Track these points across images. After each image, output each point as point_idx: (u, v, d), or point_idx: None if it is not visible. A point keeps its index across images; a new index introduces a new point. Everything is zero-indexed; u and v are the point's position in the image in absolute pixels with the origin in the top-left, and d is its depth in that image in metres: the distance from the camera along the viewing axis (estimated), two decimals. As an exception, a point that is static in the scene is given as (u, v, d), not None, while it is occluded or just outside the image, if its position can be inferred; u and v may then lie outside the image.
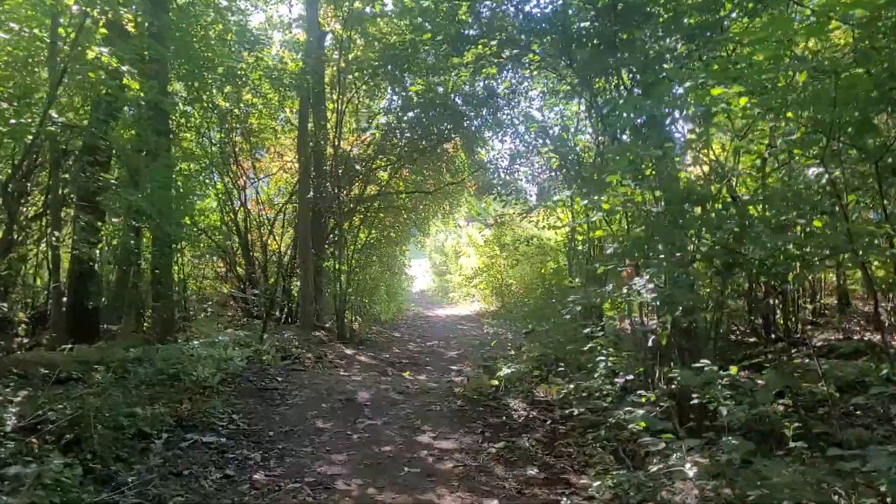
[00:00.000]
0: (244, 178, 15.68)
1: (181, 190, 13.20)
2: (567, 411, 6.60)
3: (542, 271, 18.76)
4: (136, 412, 6.05)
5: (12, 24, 7.17)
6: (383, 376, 9.29)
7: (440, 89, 14.40)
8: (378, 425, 6.72)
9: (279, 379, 8.38)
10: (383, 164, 15.49)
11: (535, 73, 11.23)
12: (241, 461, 5.53)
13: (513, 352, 9.73)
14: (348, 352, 11.27)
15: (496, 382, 7.63)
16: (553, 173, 14.61)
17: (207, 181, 15.76)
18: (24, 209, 11.45)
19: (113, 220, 10.58)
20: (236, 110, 15.26)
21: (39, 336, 10.66)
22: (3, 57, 8.14)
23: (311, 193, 13.14)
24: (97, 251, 10.01)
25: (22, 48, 7.88)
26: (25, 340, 10.89)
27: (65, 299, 10.21)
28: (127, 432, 5.68)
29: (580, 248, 12.37)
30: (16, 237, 10.42)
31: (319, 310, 14.29)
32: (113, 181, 9.11)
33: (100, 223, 9.73)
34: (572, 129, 12.90)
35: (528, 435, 6.24)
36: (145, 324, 10.64)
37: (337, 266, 12.84)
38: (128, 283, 11.08)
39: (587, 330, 7.09)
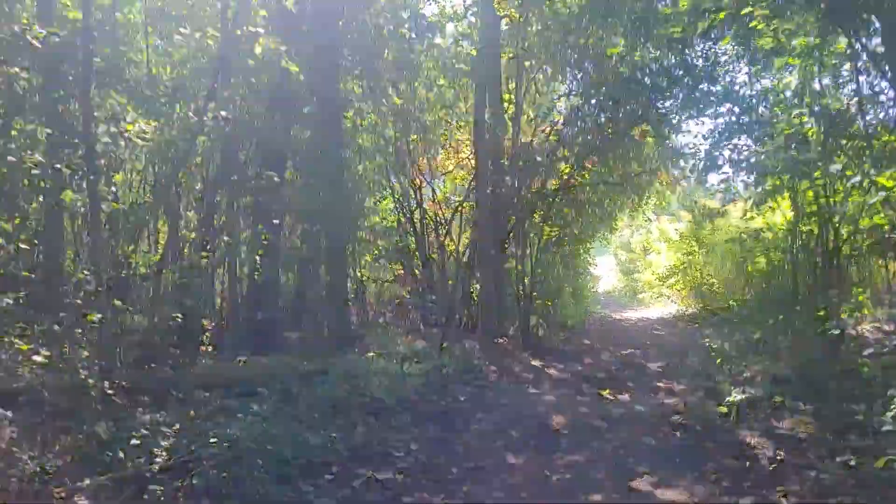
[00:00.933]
0: (420, 177, 15.16)
1: (354, 191, 12.89)
2: (838, 458, 5.08)
3: (751, 269, 16.65)
4: (306, 439, 5.38)
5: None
6: (579, 395, 8.13)
7: (625, 70, 13.00)
8: (581, 463, 5.59)
9: (461, 398, 7.49)
10: (565, 154, 14.27)
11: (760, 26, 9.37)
12: (420, 508, 4.64)
13: (730, 368, 8.19)
14: (535, 363, 10.20)
15: (724, 409, 6.22)
16: (762, 155, 12.70)
17: (384, 182, 15.45)
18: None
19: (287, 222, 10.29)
20: (411, 106, 14.78)
21: (221, 346, 10.60)
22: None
23: (490, 189, 12.23)
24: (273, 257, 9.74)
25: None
26: (210, 349, 10.89)
27: (243, 307, 10.04)
28: (293, 464, 4.99)
29: (810, 241, 10.46)
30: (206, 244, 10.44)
31: (501, 315, 13.37)
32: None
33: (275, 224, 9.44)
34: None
35: (784, 487, 4.82)
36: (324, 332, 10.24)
37: (519, 267, 11.82)
38: (305, 290, 10.79)
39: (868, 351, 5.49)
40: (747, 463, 5.37)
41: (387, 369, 7.62)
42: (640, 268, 23.69)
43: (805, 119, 9.68)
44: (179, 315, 10.08)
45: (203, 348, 10.88)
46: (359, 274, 15.56)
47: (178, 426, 5.02)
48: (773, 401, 6.41)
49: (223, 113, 7.13)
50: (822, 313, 10.54)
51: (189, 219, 8.44)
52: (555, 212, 14.55)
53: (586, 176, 14.69)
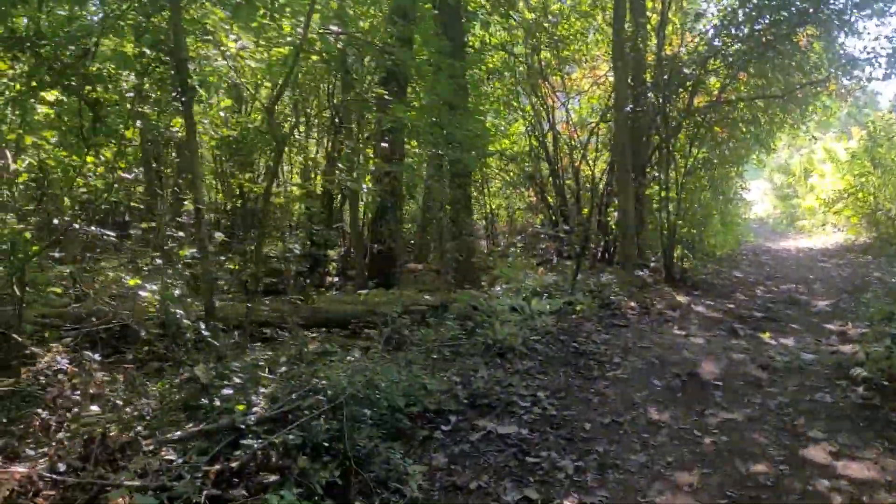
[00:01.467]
0: (553, 97, 14.15)
1: (481, 112, 12.14)
2: None
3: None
4: (420, 385, 4.90)
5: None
6: (733, 338, 7.17)
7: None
8: (738, 422, 4.76)
9: (596, 339, 6.75)
10: (716, 66, 12.75)
11: None
12: (546, 473, 4.03)
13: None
14: (680, 299, 9.24)
15: (919, 362, 5.13)
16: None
17: (515, 103, 14.59)
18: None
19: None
20: (544, 22, 13.72)
21: (346, 276, 10.38)
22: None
23: (630, 107, 11.10)
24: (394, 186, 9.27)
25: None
26: (336, 279, 10.74)
27: (368, 238, 9.71)
28: (406, 413, 4.53)
29: None
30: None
31: (641, 245, 12.36)
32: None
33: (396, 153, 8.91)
34: None
35: None
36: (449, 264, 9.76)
37: (662, 192, 10.72)
38: (429, 221, 10.30)
39: None
40: (957, 434, 4.35)
41: (514, 306, 7.00)
42: (800, 192, 21.50)
43: None
44: (309, 243, 9.97)
45: (329, 278, 10.75)
46: (488, 201, 14.96)
47: (283, 369, 4.66)
48: None
49: (333, 27, 6.57)
50: None
51: (304, 145, 8.07)
52: (703, 131, 13.15)
53: (741, 89, 13.13)
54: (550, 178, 13.78)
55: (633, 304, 8.53)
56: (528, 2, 13.54)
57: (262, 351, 5.22)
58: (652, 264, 11.24)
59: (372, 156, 8.46)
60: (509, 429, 4.61)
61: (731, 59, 12.35)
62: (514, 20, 13.18)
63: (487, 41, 13.66)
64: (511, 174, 15.40)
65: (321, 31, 6.16)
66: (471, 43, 12.54)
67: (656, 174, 11.97)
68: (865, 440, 4.36)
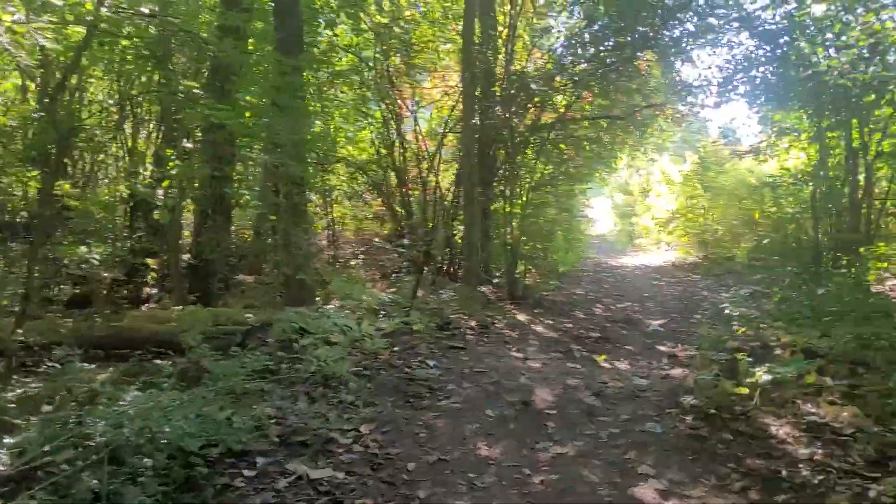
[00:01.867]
0: (403, 105, 13.82)
1: (321, 118, 11.60)
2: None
3: (758, 216, 15.53)
4: (230, 420, 4.29)
5: None
6: (569, 361, 7.05)
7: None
8: (570, 457, 4.51)
9: (431, 363, 6.38)
10: (563, 84, 12.94)
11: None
12: (358, 528, 3.57)
13: (742, 329, 7.11)
14: (521, 318, 9.12)
15: (745, 390, 5.14)
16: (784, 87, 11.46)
17: (364, 109, 14.13)
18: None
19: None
20: (395, 27, 13.35)
21: (165, 288, 9.45)
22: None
23: (477, 120, 10.94)
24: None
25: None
26: (155, 292, 9.76)
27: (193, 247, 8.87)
28: (203, 456, 3.91)
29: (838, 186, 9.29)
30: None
31: (487, 261, 12.25)
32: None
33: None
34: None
35: (823, 498, 3.79)
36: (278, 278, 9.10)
37: (507, 208, 10.63)
38: (263, 230, 9.61)
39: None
40: (773, 461, 4.31)
41: (344, 326, 6.50)
42: (638, 211, 22.54)
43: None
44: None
45: (148, 290, 9.77)
46: (332, 210, 14.37)
47: (49, 409, 3.90)
48: (804, 380, 5.34)
49: (146, 9, 5.80)
50: (844, 267, 9.54)
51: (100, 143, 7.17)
52: (549, 147, 13.30)
53: (585, 108, 13.41)
54: (397, 189, 13.43)
55: (473, 323, 8.28)
56: (379, 5, 13.15)
57: (32, 384, 4.39)
58: (496, 280, 11.14)
59: (194, 157, 7.68)
60: (323, 472, 4.10)
61: (576, 79, 12.56)
62: (366, 23, 12.73)
63: (336, 42, 13.13)
64: (358, 182, 14.91)
65: (128, 11, 5.40)
66: (318, 42, 11.94)
67: (503, 189, 11.91)
68: (693, 475, 4.23)
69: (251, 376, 5.05)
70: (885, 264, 9.85)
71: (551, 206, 15.34)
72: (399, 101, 13.64)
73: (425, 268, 11.05)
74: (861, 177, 9.15)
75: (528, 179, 11.97)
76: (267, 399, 5.00)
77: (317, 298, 8.14)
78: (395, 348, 6.60)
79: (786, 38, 10.79)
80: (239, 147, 6.75)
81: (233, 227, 11.65)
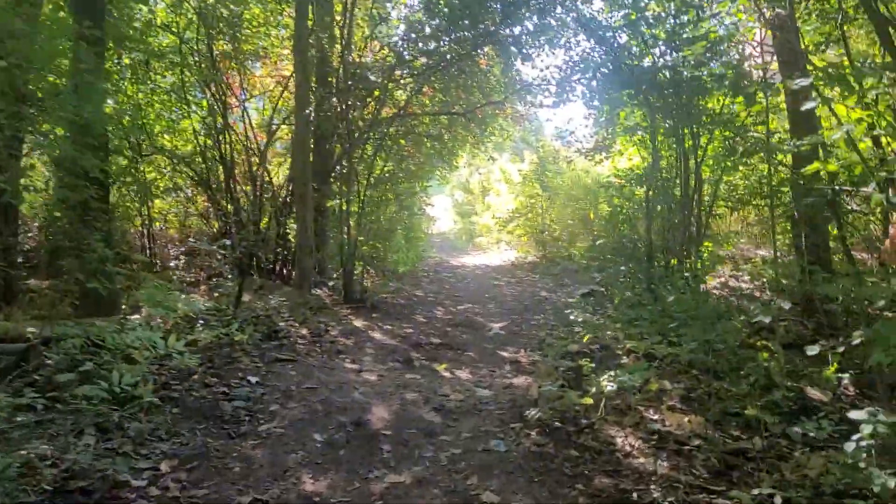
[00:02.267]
0: (233, 94, 12.83)
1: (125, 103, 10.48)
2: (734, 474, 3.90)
3: (593, 216, 15.94)
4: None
5: None
6: (408, 371, 6.58)
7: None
8: (406, 486, 4.03)
9: (253, 380, 5.68)
10: (402, 77, 12.54)
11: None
12: None
13: (585, 334, 6.99)
14: (358, 323, 8.58)
15: (589, 401, 4.89)
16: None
17: (190, 97, 12.96)
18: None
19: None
20: (222, 8, 12.30)
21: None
22: None
23: (311, 111, 10.27)
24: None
25: None
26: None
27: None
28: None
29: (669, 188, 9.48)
30: None
31: (322, 262, 11.59)
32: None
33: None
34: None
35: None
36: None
37: (344, 206, 10.05)
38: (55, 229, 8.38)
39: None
40: (618, 475, 4.08)
41: (151, 341, 5.65)
42: (479, 210, 22.67)
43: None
44: None
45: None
46: (151, 206, 13.08)
47: None
48: (646, 385, 5.19)
49: None
50: (675, 268, 9.81)
51: None
52: (389, 143, 12.85)
53: (426, 104, 13.10)
54: (224, 184, 12.41)
55: (304, 331, 7.63)
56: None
57: None
58: (332, 282, 10.52)
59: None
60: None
61: (416, 73, 12.21)
62: (188, 1, 11.62)
63: (154, 20, 11.91)
64: (182, 177, 13.70)
65: None
66: (131, 17, 10.70)
67: (341, 186, 11.30)
68: (539, 499, 3.88)
69: (21, 408, 4.15)
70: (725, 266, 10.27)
71: (391, 203, 14.92)
72: (227, 89, 12.63)
73: (251, 271, 10.24)
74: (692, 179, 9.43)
75: (366, 176, 11.43)
76: (46, 431, 4.13)
77: (122, 308, 7.16)
78: (212, 364, 5.83)
79: (620, 39, 11.00)
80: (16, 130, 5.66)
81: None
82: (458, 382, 6.16)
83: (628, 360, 5.53)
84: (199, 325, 6.91)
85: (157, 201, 13.79)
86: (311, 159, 12.13)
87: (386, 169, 13.89)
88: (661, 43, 10.07)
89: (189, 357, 5.55)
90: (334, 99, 10.34)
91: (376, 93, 11.74)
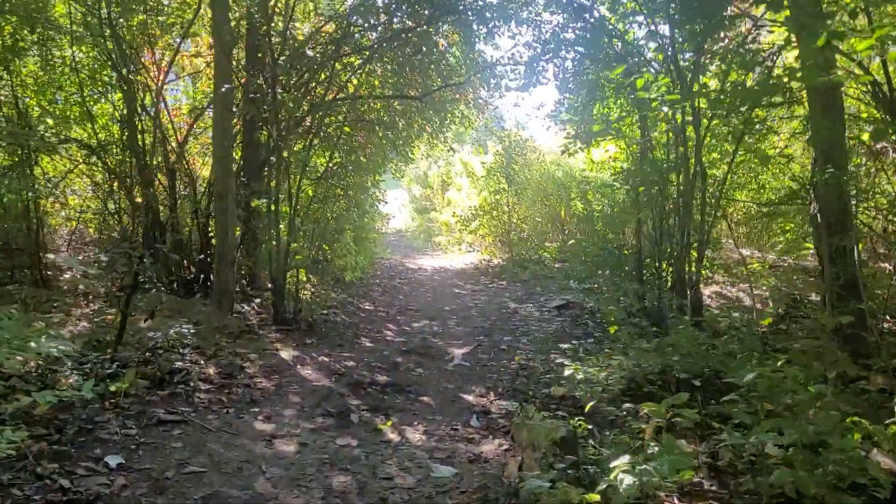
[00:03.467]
0: (155, 75, 11.01)
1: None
2: None
3: (564, 214, 14.50)
4: None
5: None
6: (341, 433, 4.93)
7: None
8: None
9: (113, 462, 4.01)
10: (349, 55, 10.89)
11: None
12: None
13: (579, 388, 5.43)
14: (285, 354, 6.93)
15: (596, 498, 3.37)
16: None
17: (105, 77, 11.07)
18: None
19: None
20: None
21: None
22: None
23: (227, 86, 8.56)
24: None
25: None
26: None
27: None
28: None
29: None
30: None
31: (252, 272, 9.90)
32: None
33: None
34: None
35: None
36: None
37: (273, 206, 8.35)
38: None
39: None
40: None
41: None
42: (438, 206, 21.06)
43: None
44: None
45: None
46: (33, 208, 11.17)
47: None
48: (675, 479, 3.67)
49: None
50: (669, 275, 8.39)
51: None
52: (333, 132, 11.21)
53: (376, 83, 11.48)
54: (139, 179, 10.59)
55: (212, 370, 5.97)
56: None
57: None
58: (259, 299, 8.86)
59: None
60: None
61: (366, 49, 10.61)
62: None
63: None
64: (97, 170, 11.83)
65: None
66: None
67: (274, 182, 9.59)
68: None
69: None
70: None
71: (339, 200, 13.27)
72: (141, 69, 10.80)
73: (162, 285, 8.54)
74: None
75: (301, 169, 9.75)
76: None
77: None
78: (61, 436, 4.16)
79: (597, 12, 9.59)
80: None
81: None
82: (409, 452, 4.55)
83: (647, 430, 4.02)
84: (66, 368, 5.20)
85: (71, 199, 11.94)
86: (242, 150, 10.47)
87: (334, 161, 12.26)
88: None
89: (15, 432, 3.85)
90: (260, 78, 8.62)
91: (323, 75, 10.07)
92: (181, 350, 6.20)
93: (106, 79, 10.98)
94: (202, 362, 6.09)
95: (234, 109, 8.96)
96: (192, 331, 6.64)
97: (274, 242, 8.13)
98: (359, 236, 14.12)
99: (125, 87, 10.13)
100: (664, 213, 8.10)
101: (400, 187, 24.55)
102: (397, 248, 18.47)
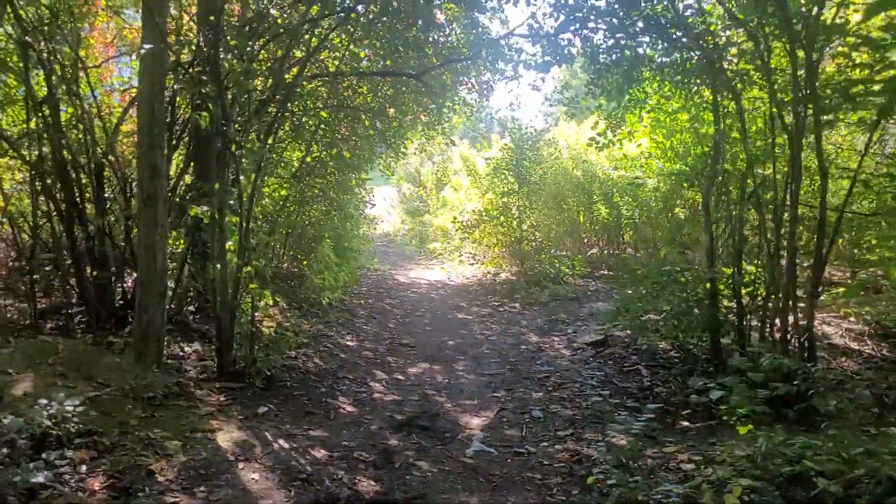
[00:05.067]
0: (74, 53, 8.83)
1: None
2: None
3: (583, 219, 12.40)
4: None
5: None
6: None
7: None
8: None
9: None
10: (335, 41, 8.81)
11: None
12: None
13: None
14: (224, 440, 4.76)
15: None
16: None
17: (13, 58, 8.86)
18: None
19: None
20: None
21: None
22: None
23: (165, 51, 6.38)
24: None
25: None
26: None
27: None
28: None
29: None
30: None
31: (204, 297, 7.75)
32: None
33: None
34: None
35: None
36: None
37: (217, 215, 6.10)
38: None
39: None
40: None
41: None
42: (432, 207, 18.87)
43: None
44: None
45: None
46: None
47: None
48: None
49: None
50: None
51: None
52: (312, 120, 9.14)
53: (360, 56, 9.36)
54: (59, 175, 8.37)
55: (98, 483, 3.81)
56: None
57: None
58: (196, 345, 6.70)
59: None
60: None
61: (351, 26, 8.55)
62: None
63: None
64: (18, 164, 9.64)
65: None
66: None
67: (230, 182, 7.39)
68: None
69: None
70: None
71: (316, 202, 11.14)
72: (68, 45, 8.59)
73: (75, 322, 6.38)
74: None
75: (254, 167, 7.60)
76: None
77: None
78: None
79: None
80: None
81: None
82: None
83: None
84: None
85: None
86: (192, 140, 8.33)
87: (311, 156, 10.15)
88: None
89: None
90: (201, 38, 6.38)
91: (297, 53, 7.88)
92: (56, 446, 4.04)
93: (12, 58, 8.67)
94: (84, 467, 3.93)
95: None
96: (79, 408, 4.47)
97: (218, 268, 5.94)
98: (340, 245, 11.97)
99: (46, 66, 7.89)
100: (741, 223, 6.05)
101: (388, 184, 22.34)
102: (386, 257, 16.29)
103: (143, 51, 5.80)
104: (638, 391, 6.20)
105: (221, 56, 5.75)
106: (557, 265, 11.57)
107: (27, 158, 7.92)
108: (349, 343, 8.14)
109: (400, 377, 6.85)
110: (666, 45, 8.02)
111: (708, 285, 6.29)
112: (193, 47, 6.75)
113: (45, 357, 5.38)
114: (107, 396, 5.03)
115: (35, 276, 7.56)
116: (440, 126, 12.59)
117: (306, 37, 7.86)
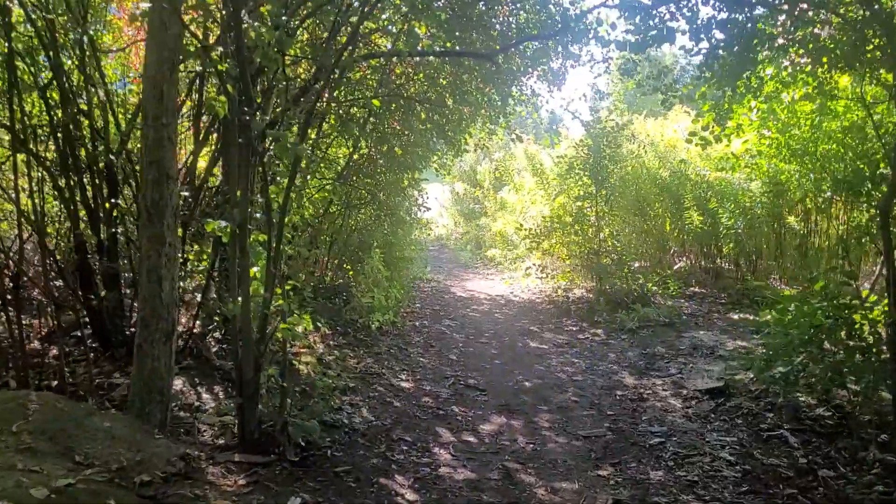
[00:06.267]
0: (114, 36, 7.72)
1: None
2: None
3: (675, 231, 10.82)
4: None
5: None
6: None
7: None
8: None
9: None
10: (378, 24, 7.48)
11: None
12: None
13: None
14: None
15: None
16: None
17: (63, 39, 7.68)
18: None
19: None
20: None
21: None
22: None
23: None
24: None
25: None
26: None
27: None
28: None
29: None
30: None
31: (236, 336, 6.46)
32: None
33: None
34: None
35: None
36: None
37: (237, 231, 4.71)
38: None
39: None
40: None
41: None
42: (489, 210, 17.37)
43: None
44: None
45: None
46: None
47: None
48: None
49: None
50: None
51: None
52: (361, 111, 7.86)
53: (422, 30, 7.94)
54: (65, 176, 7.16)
55: None
56: None
57: None
58: (214, 407, 5.37)
59: None
60: None
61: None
62: None
63: None
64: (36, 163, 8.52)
65: None
66: None
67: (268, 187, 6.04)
68: None
69: None
70: None
71: (365, 206, 9.81)
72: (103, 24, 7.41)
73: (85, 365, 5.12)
74: None
75: (288, 169, 6.27)
76: None
77: None
78: None
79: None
80: None
81: None
82: None
83: None
84: None
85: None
86: (219, 133, 7.04)
87: (359, 153, 8.85)
88: None
89: None
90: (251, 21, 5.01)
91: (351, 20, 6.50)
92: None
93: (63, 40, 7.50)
94: None
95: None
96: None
97: (240, 300, 4.57)
98: (391, 255, 10.59)
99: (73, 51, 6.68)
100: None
101: (438, 181, 20.90)
102: (439, 264, 14.87)
103: (144, 6, 4.44)
104: (793, 472, 4.66)
105: (246, 21, 4.35)
106: (642, 281, 10.02)
107: (41, 156, 6.72)
108: (404, 384, 6.74)
109: (471, 439, 5.43)
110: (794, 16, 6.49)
111: (888, 330, 4.74)
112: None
113: (8, 423, 4.09)
114: (83, 484, 3.71)
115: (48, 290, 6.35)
116: (503, 119, 11.10)
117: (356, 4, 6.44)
